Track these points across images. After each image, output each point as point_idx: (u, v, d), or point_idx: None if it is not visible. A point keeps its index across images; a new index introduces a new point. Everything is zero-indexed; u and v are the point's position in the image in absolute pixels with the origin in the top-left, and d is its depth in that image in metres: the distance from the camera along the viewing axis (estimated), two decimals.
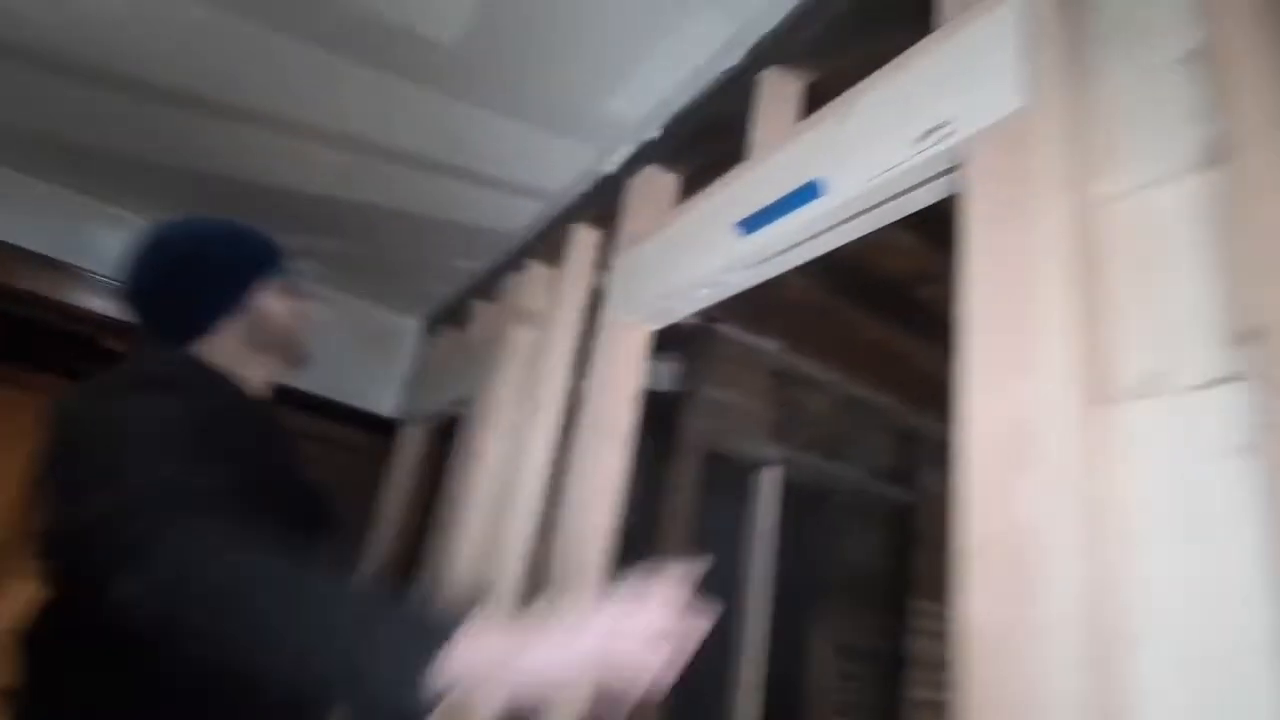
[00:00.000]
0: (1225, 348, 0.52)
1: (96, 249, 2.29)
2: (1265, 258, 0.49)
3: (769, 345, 2.49)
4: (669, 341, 2.60)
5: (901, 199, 0.86)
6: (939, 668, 2.78)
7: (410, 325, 2.83)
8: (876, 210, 0.89)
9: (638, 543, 2.44)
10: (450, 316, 2.52)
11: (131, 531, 0.61)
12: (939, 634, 2.78)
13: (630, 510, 2.81)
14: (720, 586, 2.62)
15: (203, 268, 1.06)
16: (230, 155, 1.90)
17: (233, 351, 1.07)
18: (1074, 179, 0.64)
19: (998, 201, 0.67)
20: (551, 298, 1.73)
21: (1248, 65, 0.55)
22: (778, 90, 1.17)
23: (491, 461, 1.69)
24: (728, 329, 2.41)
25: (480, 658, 0.57)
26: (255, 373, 1.11)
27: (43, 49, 1.55)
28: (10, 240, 2.18)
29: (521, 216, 1.93)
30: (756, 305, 2.28)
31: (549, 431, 1.57)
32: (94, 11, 1.40)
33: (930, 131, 0.79)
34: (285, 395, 1.29)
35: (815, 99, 1.09)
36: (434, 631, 0.58)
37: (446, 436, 2.55)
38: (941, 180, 0.79)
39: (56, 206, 2.27)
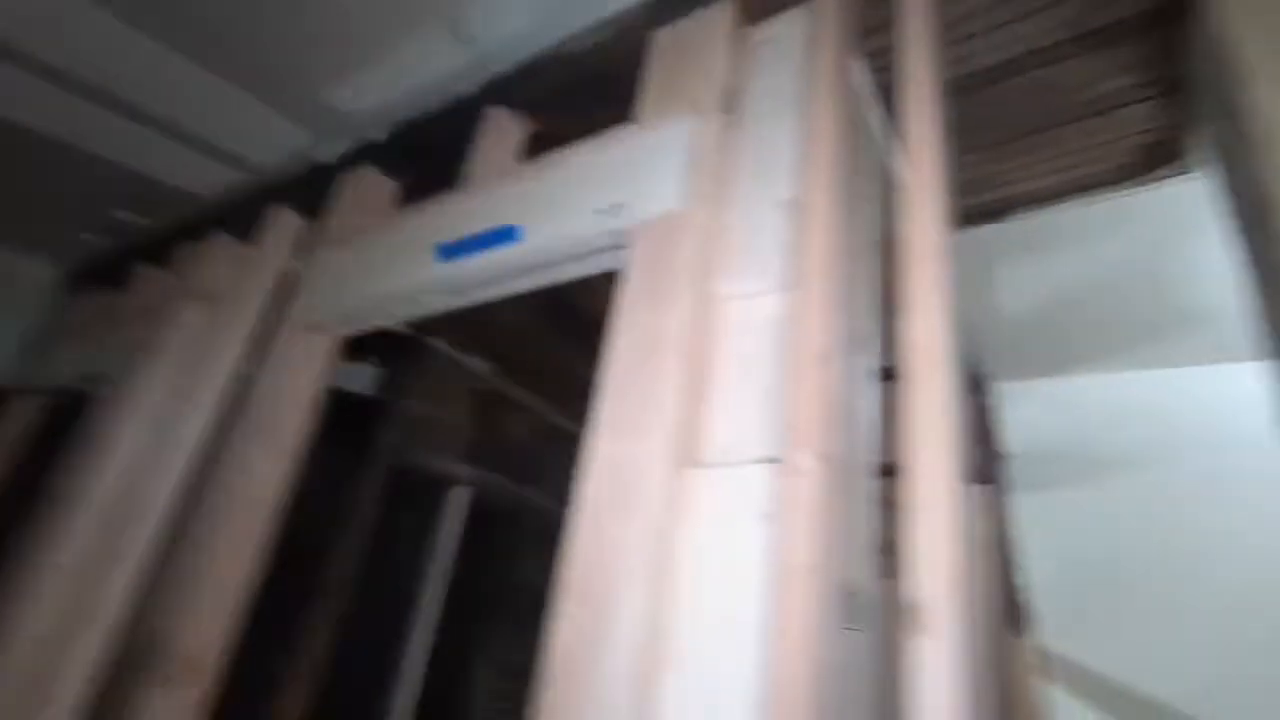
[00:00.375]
0: (778, 433, 0.67)
1: None
2: (800, 370, 0.65)
3: (478, 365, 2.52)
4: (374, 345, 2.49)
5: (585, 260, 0.95)
6: None
7: (41, 272, 2.31)
8: (564, 265, 0.98)
9: (317, 551, 2.28)
10: (101, 274, 2.12)
11: None
12: None
13: (314, 517, 2.61)
14: (398, 602, 2.53)
15: None
16: None
17: None
18: (701, 278, 0.77)
19: (645, 283, 0.79)
20: (235, 278, 1.55)
21: (820, 218, 0.72)
22: (501, 128, 1.22)
23: (124, 455, 1.45)
24: (437, 343, 2.38)
25: None
26: None
27: None
28: None
29: (212, 181, 1.71)
30: (468, 325, 2.30)
31: (203, 429, 1.40)
32: None
33: (610, 208, 0.89)
34: None
35: (536, 147, 1.16)
36: None
37: (68, 416, 2.11)
38: (615, 253, 0.90)
39: None
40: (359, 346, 2.49)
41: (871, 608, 0.70)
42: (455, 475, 2.33)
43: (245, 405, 1.23)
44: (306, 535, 2.31)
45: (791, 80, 0.87)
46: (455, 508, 2.31)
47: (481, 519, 2.43)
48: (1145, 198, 1.45)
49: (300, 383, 1.21)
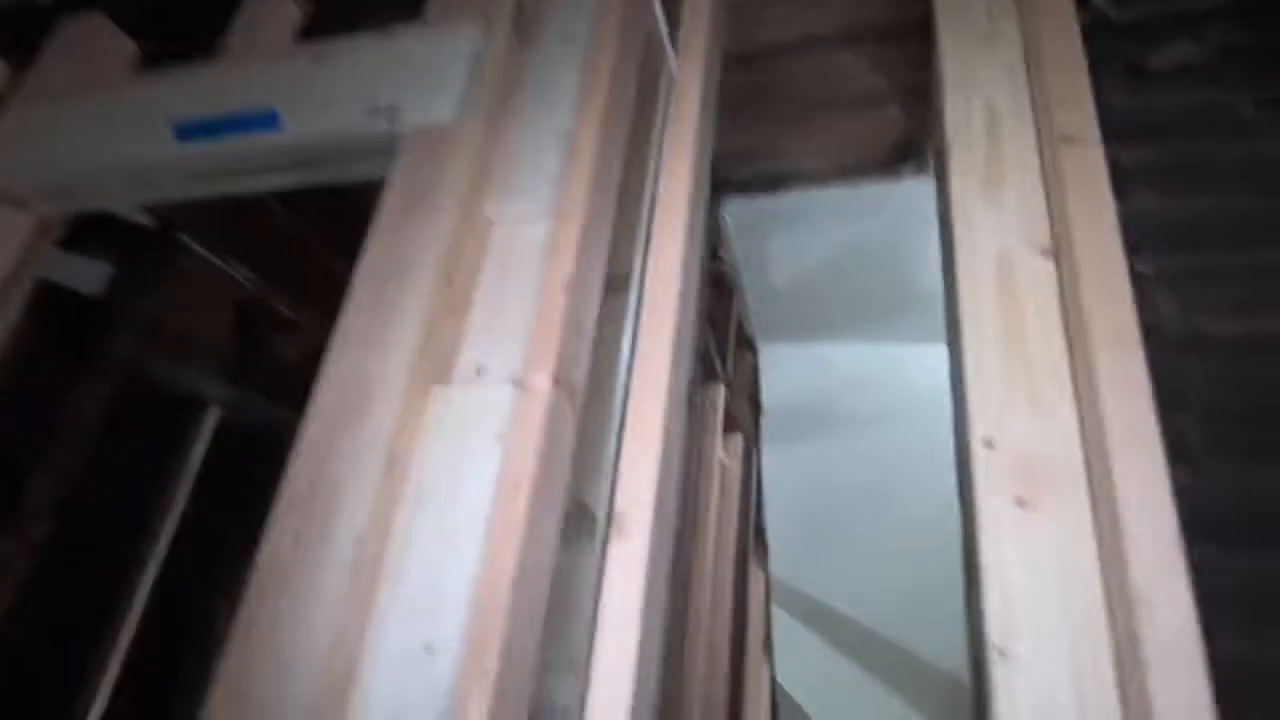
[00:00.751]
0: (521, 353, 0.68)
1: None
2: (549, 296, 0.67)
3: (241, 274, 2.26)
4: (113, 240, 2.12)
5: (351, 164, 0.88)
6: None
7: None
8: (328, 164, 0.90)
9: (22, 471, 1.93)
10: None
11: None
12: None
13: (20, 432, 2.23)
14: (122, 534, 2.23)
15: None
16: None
17: None
18: (469, 197, 0.75)
19: (410, 194, 0.75)
20: None
21: (588, 151, 0.73)
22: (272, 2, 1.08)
23: None
24: (190, 242, 2.09)
25: None
26: None
27: None
28: None
29: None
30: (230, 225, 2.05)
31: None
32: None
33: (385, 109, 0.83)
34: None
35: (314, 32, 1.04)
36: None
37: None
38: (384, 160, 0.84)
39: None
40: (90, 237, 2.12)
41: (603, 526, 0.74)
42: (205, 394, 2.08)
43: None
44: (10, 450, 1.97)
45: (587, 11, 0.86)
46: (203, 431, 2.08)
47: (236, 446, 2.21)
48: (898, 187, 1.65)
49: None
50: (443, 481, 0.62)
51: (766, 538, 2.31)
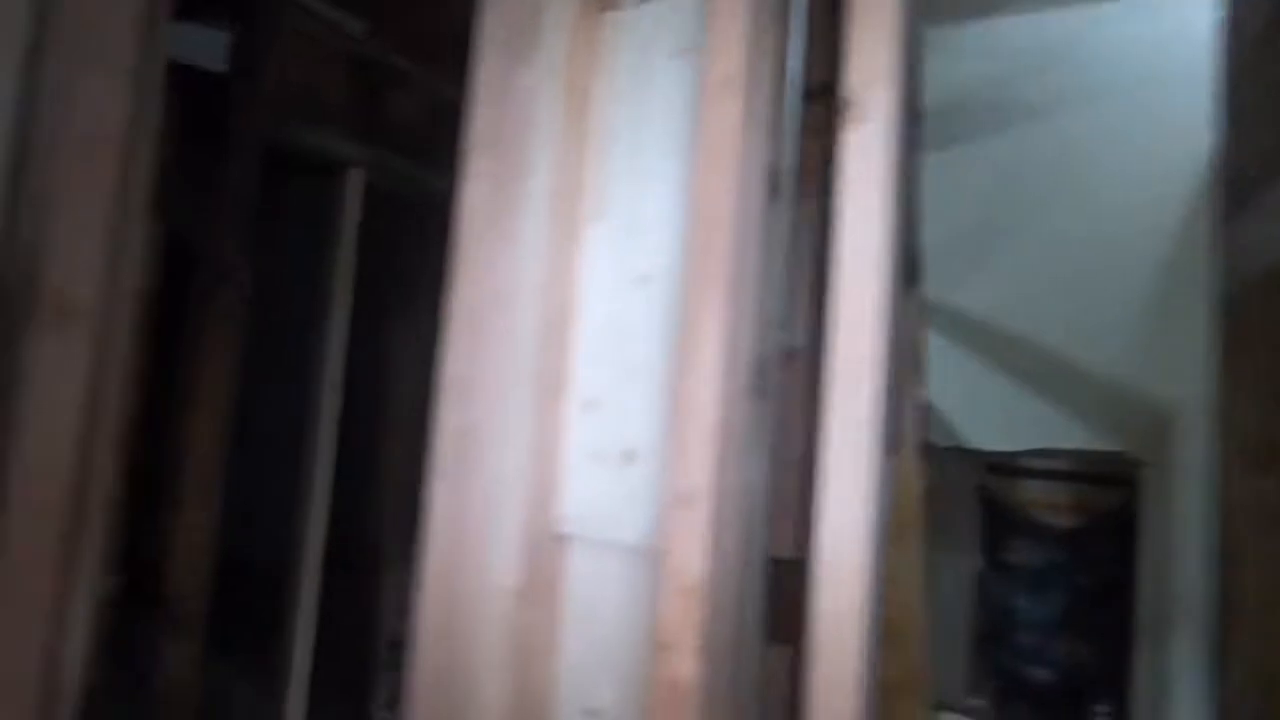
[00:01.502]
0: None
1: None
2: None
3: (353, 27, 2.17)
4: (219, 5, 2.07)
5: None
6: None
7: None
8: None
9: (189, 252, 2.12)
10: None
11: None
12: None
13: (175, 213, 2.40)
14: (293, 296, 2.47)
15: None
16: None
17: None
18: None
19: None
20: None
21: None
22: None
23: None
24: None
25: None
26: None
27: None
28: None
29: None
30: None
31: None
32: None
33: None
34: None
35: None
36: None
37: None
38: None
39: None
40: (204, 5, 2.07)
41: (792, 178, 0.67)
42: (345, 155, 2.12)
43: (53, 31, 1.00)
44: (181, 229, 2.14)
45: None
46: (352, 192, 2.15)
47: (380, 207, 2.29)
48: None
49: None
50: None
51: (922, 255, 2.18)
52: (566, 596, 0.62)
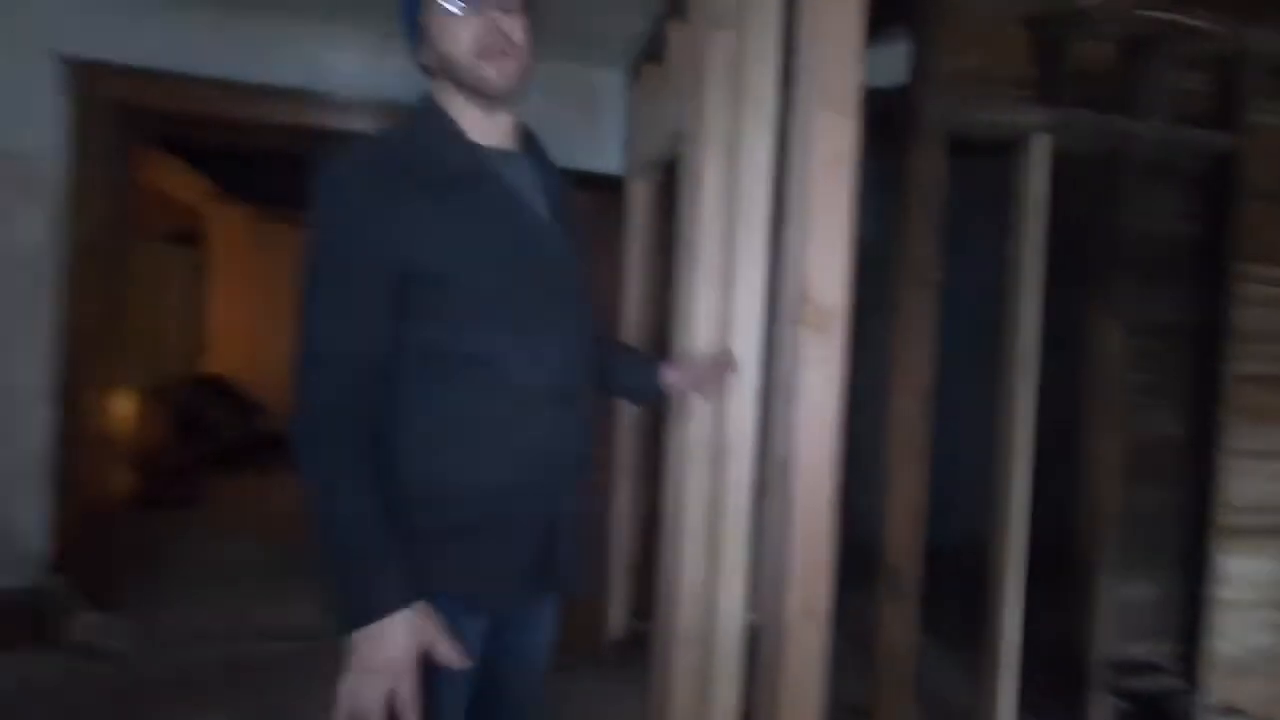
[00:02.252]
0: None
1: (336, 72, 2.50)
2: None
3: None
4: (891, 18, 2.22)
5: None
6: (1270, 339, 2.39)
7: (615, 79, 2.76)
8: None
9: (883, 249, 2.33)
10: (648, 54, 2.41)
11: (295, 379, 0.91)
12: (1270, 301, 2.36)
13: (868, 218, 2.65)
14: (984, 277, 2.43)
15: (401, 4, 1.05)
16: None
17: (447, 93, 1.02)
18: None
19: None
20: None
21: None
22: None
23: (712, 181, 1.66)
24: None
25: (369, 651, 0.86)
26: (476, 119, 1.02)
27: None
28: (255, 79, 2.45)
29: None
30: None
31: (766, 131, 1.48)
32: None
33: None
34: None
35: None
36: (358, 611, 0.86)
37: (672, 185, 2.56)
38: None
39: (288, 35, 2.48)
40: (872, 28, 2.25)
41: None
42: (1024, 124, 1.99)
43: (795, 82, 1.22)
44: (873, 235, 2.34)
45: None
46: (1036, 160, 1.99)
47: (1067, 168, 2.05)
48: None
49: (835, 40, 1.12)
50: None
51: None
52: None
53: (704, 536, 1.63)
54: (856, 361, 1.24)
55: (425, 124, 1.02)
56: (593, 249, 2.57)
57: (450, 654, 0.89)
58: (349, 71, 2.52)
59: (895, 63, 2.21)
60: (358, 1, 2.27)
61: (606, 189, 2.63)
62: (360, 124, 2.52)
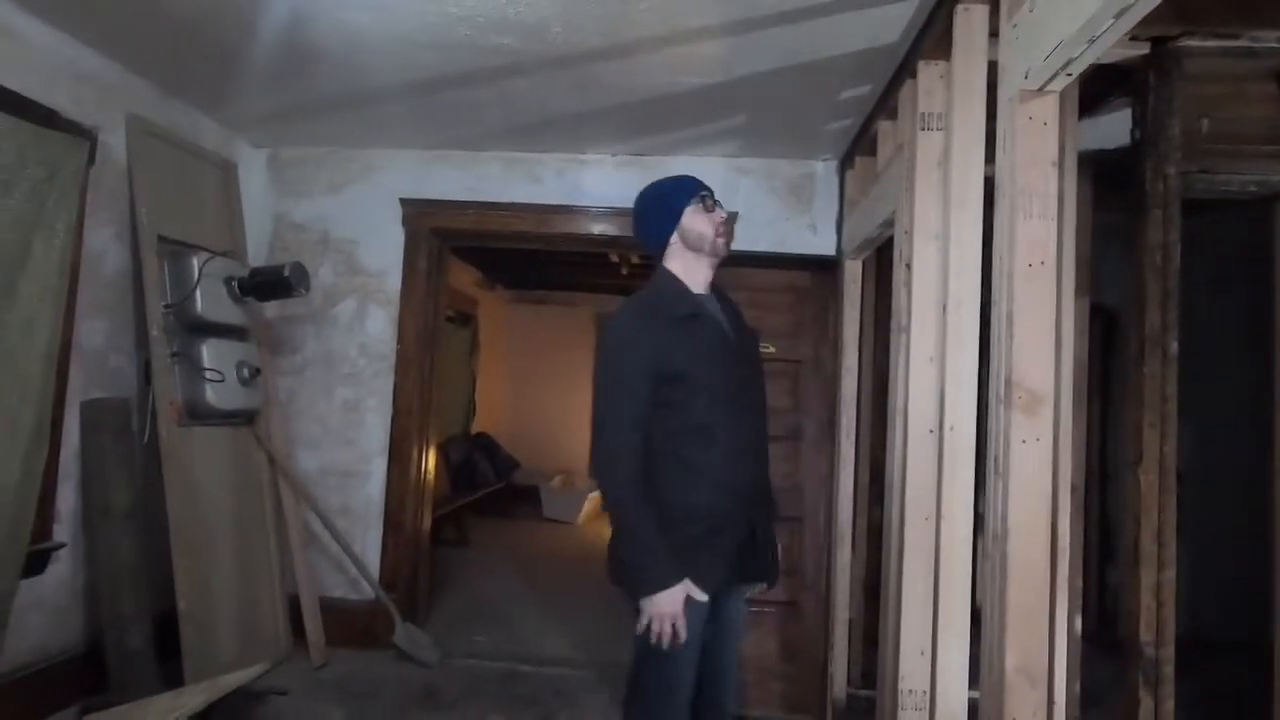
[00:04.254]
0: None
1: (584, 190, 3.07)
2: None
3: (1266, 36, 1.93)
4: (1113, 88, 2.21)
5: None
6: None
7: (826, 168, 3.01)
8: None
9: (1121, 322, 2.23)
10: (858, 147, 2.62)
11: (595, 424, 1.49)
12: None
13: (1107, 286, 2.58)
14: (1232, 340, 2.22)
15: (653, 210, 1.65)
16: (634, 88, 2.34)
17: (680, 259, 1.62)
18: None
19: None
20: (948, 91, 1.71)
21: None
22: None
23: (926, 267, 1.81)
24: (1195, 41, 1.95)
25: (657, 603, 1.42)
26: (698, 273, 1.62)
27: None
28: (530, 200, 3.08)
29: (894, 24, 1.90)
30: None
31: (974, 225, 1.62)
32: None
33: None
34: (738, 259, 1.67)
35: None
36: (649, 583, 1.43)
37: (881, 263, 2.71)
38: None
39: (549, 165, 3.10)
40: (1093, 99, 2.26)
41: None
42: (1277, 183, 1.86)
43: (1000, 190, 1.37)
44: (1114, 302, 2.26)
45: None
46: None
47: None
48: None
49: (1034, 149, 1.26)
50: None
51: None
52: None
53: (925, 600, 1.72)
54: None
55: (663, 284, 1.62)
56: (808, 323, 2.78)
57: (683, 626, 1.43)
58: (592, 188, 3.07)
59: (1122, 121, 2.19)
60: (595, 131, 2.80)
61: (820, 269, 2.84)
62: (599, 228, 3.05)
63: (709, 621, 1.54)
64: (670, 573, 1.42)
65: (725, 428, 1.51)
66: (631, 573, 1.46)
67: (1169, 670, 1.82)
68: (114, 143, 2.43)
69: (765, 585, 1.65)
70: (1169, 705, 1.85)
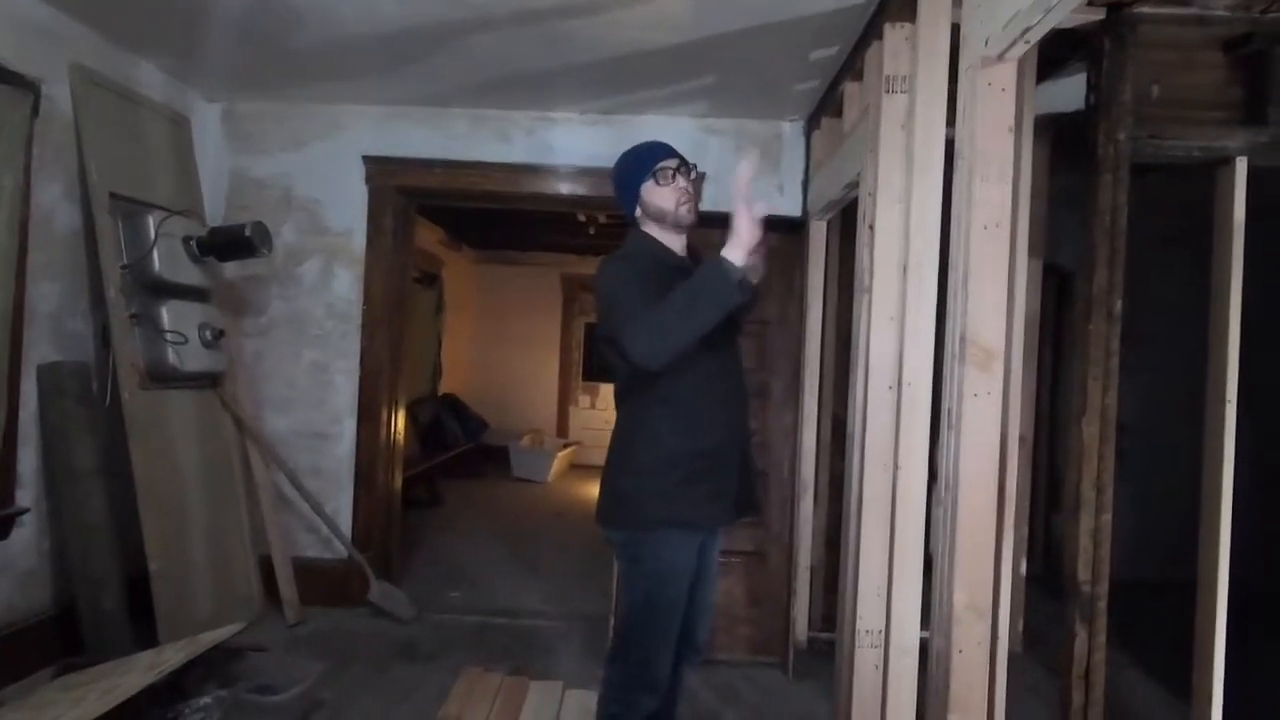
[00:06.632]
0: None
1: (553, 148, 3.05)
2: None
3: (1215, 4, 1.99)
4: (1072, 51, 2.27)
5: None
6: None
7: (793, 129, 3.02)
8: None
9: (1073, 274, 2.33)
10: (825, 109, 2.64)
11: (622, 337, 1.45)
12: None
13: (1065, 247, 2.66)
14: (1175, 301, 2.34)
15: (621, 182, 1.69)
16: (604, 44, 2.31)
17: (653, 227, 1.65)
18: None
19: None
20: (913, 53, 1.74)
21: None
22: None
23: (889, 229, 1.86)
24: (1148, 8, 2.00)
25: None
26: (672, 240, 1.65)
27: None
28: (498, 159, 3.05)
29: None
30: None
31: (935, 188, 1.67)
32: None
33: None
34: (706, 219, 1.69)
35: None
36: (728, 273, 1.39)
37: (847, 224, 2.76)
38: None
39: (518, 123, 3.06)
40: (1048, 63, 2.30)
41: None
42: (1223, 149, 1.95)
43: (958, 155, 1.41)
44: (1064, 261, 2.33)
45: None
46: (1233, 185, 1.95)
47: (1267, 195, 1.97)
48: None
49: (991, 115, 1.30)
50: None
51: None
52: None
53: (883, 546, 1.82)
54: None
55: (643, 244, 1.66)
56: (775, 283, 2.83)
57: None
58: (561, 147, 3.04)
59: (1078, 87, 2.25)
60: (564, 89, 2.77)
61: (787, 229, 2.88)
62: (567, 188, 3.04)
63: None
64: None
65: (717, 374, 1.61)
66: (722, 277, 1.38)
67: (1103, 606, 1.97)
68: (59, 95, 2.33)
69: (754, 516, 1.80)
70: (1101, 639, 2.00)
